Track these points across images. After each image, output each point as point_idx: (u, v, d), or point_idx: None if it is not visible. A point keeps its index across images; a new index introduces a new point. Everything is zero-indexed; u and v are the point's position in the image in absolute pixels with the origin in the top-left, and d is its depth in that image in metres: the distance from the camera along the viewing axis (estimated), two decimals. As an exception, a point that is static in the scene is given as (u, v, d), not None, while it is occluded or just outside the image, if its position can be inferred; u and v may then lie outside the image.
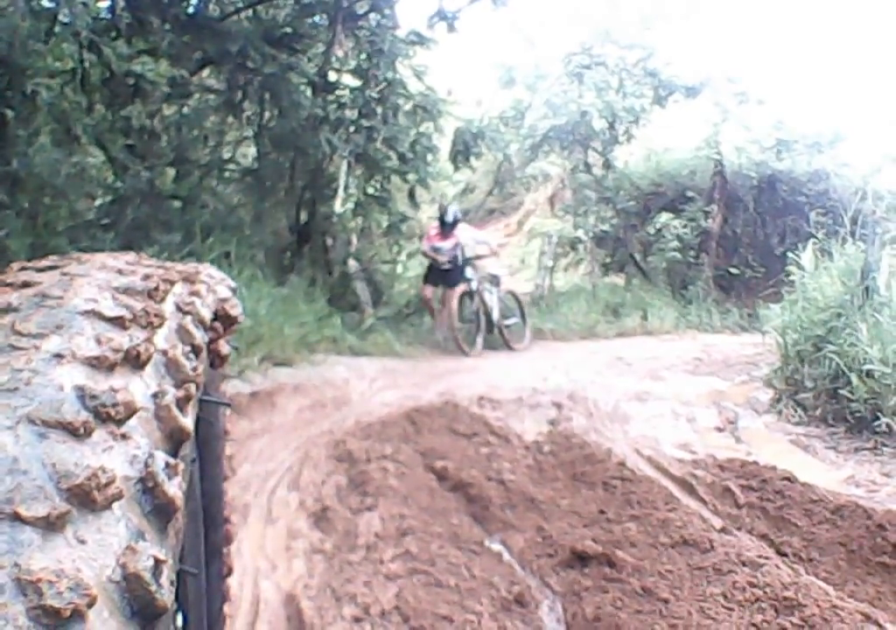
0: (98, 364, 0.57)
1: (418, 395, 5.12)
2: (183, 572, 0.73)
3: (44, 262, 0.77)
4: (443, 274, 7.79)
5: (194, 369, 0.69)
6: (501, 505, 3.11)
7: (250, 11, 7.59)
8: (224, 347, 0.96)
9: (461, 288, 7.71)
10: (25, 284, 0.68)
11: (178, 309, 0.78)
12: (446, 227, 7.87)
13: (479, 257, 8.07)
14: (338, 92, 7.86)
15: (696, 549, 2.62)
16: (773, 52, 18.72)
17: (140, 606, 0.44)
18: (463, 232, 8.05)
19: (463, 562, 2.54)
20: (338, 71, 8.03)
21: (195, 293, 0.85)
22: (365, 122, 7.65)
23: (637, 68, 11.81)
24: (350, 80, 8.08)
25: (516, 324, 8.24)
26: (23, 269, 0.75)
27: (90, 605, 0.40)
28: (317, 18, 7.86)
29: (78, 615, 0.39)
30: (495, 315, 7.90)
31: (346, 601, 2.25)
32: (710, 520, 3.00)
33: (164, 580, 0.46)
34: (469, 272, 7.87)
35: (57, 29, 5.51)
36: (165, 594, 0.46)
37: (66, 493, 0.45)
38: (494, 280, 8.16)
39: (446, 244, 7.89)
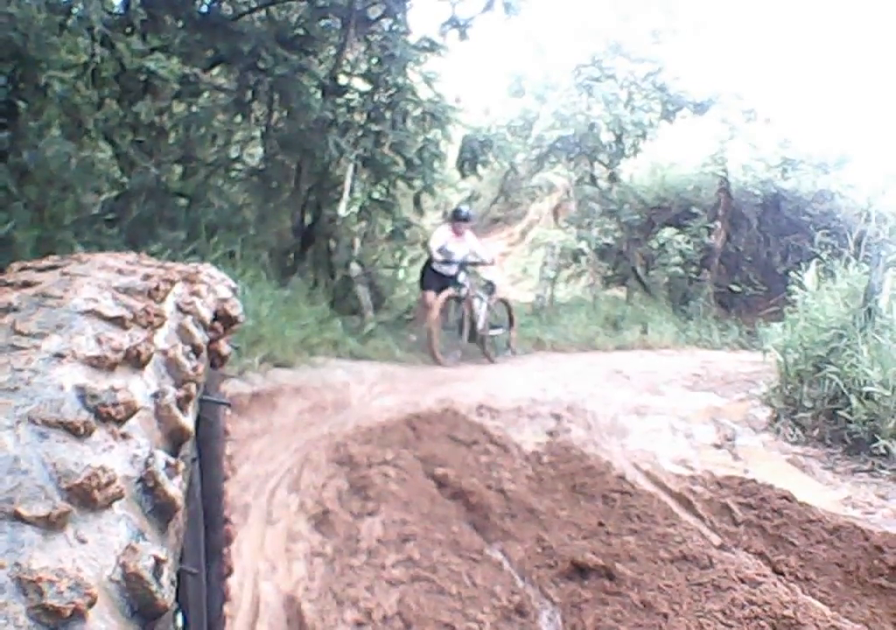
0: (98, 364, 0.57)
1: (417, 401, 5.11)
2: (183, 572, 0.72)
3: (44, 262, 0.77)
4: (444, 279, 7.55)
5: (195, 369, 0.68)
6: (501, 514, 3.11)
7: (263, 12, 7.61)
8: (224, 347, 0.96)
9: (447, 292, 7.41)
10: (26, 284, 0.68)
11: (179, 309, 0.78)
12: (460, 222, 7.71)
13: (476, 264, 7.89)
14: (347, 95, 7.87)
15: (695, 565, 2.61)
16: (781, 71, 18.80)
17: (140, 606, 0.44)
18: (471, 238, 7.92)
19: (464, 569, 2.54)
20: (348, 74, 8.05)
21: (195, 293, 0.85)
22: (373, 127, 7.67)
23: (646, 82, 11.84)
24: (360, 84, 8.09)
25: (500, 335, 8.00)
26: (23, 268, 0.75)
27: (90, 605, 0.40)
28: (329, 21, 7.88)
29: (78, 614, 0.39)
30: (480, 324, 7.62)
31: (348, 605, 2.26)
32: (708, 536, 2.99)
33: (164, 580, 0.46)
34: (462, 277, 7.61)
35: (71, 22, 5.52)
36: (166, 594, 0.45)
37: (67, 493, 0.45)
38: (489, 287, 7.91)
39: (459, 247, 7.70)
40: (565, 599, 2.42)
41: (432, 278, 7.61)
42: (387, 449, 3.79)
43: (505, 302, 8.16)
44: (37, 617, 0.38)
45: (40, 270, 0.74)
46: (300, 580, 2.42)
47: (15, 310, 0.61)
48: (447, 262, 7.56)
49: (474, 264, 7.86)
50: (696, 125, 12.28)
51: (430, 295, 7.50)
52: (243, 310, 1.03)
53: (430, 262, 7.78)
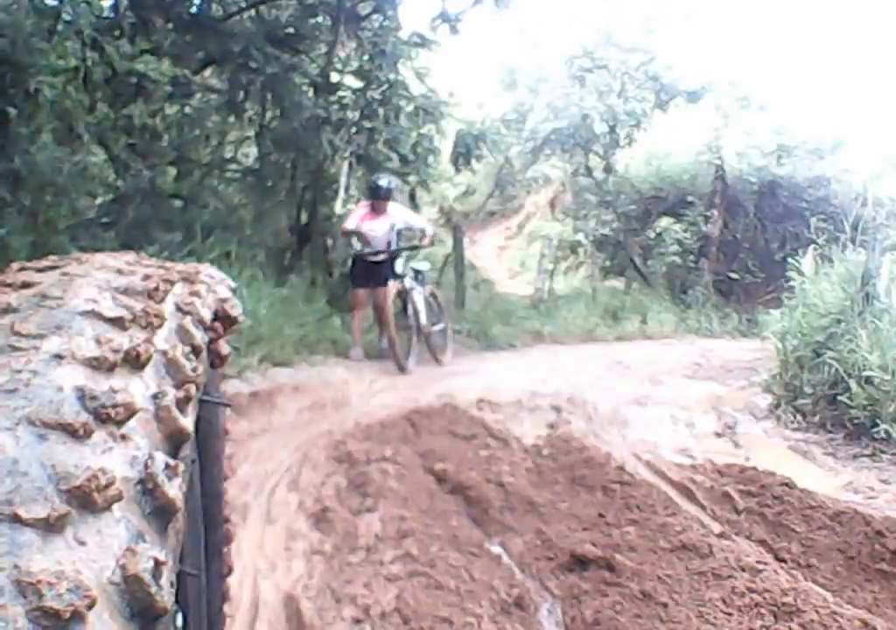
0: (98, 365, 0.57)
1: (417, 397, 5.11)
2: (183, 573, 0.73)
3: (43, 263, 0.77)
4: (372, 268, 6.29)
5: (194, 370, 0.68)
6: (501, 508, 3.11)
7: (253, 11, 7.59)
8: (224, 348, 0.96)
9: (394, 285, 6.36)
10: (25, 285, 0.68)
11: (178, 309, 0.78)
12: (379, 199, 6.41)
13: (415, 248, 6.94)
14: (340, 93, 7.86)
15: (695, 554, 2.61)
16: (775, 58, 18.76)
17: (140, 608, 0.44)
18: (397, 212, 6.67)
19: (463, 564, 2.54)
20: (340, 72, 8.04)
21: (195, 293, 0.85)
22: (366, 124, 7.65)
23: (639, 72, 11.84)
24: (352, 81, 8.08)
25: (442, 331, 7.02)
26: (22, 269, 0.75)
27: (90, 607, 0.40)
28: (319, 19, 7.86)
29: (77, 617, 0.39)
30: (422, 319, 6.58)
31: (347, 602, 2.26)
32: (709, 525, 3.00)
33: (163, 581, 0.46)
34: (399, 266, 6.47)
35: (60, 27, 5.51)
36: (165, 596, 0.46)
37: (66, 495, 0.45)
38: (419, 277, 6.85)
39: (379, 225, 6.41)
40: (565, 591, 2.42)
41: (361, 270, 6.39)
42: (385, 445, 3.79)
43: (434, 295, 7.12)
44: (36, 619, 0.38)
45: (39, 271, 0.74)
46: (299, 578, 2.42)
47: (14, 310, 0.61)
48: (372, 252, 6.35)
49: (413, 248, 6.90)
50: (690, 114, 12.28)
51: (360, 292, 6.47)
52: (242, 310, 1.03)
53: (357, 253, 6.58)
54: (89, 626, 0.40)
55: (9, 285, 0.68)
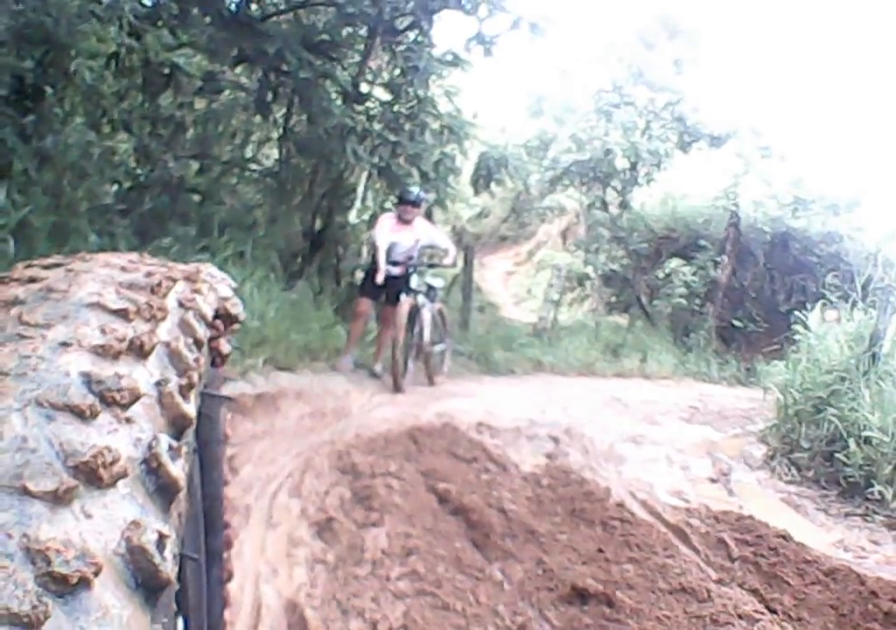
0: (103, 352, 0.59)
1: (417, 414, 5.11)
2: (183, 570, 0.73)
3: (49, 261, 0.80)
4: (387, 281, 6.00)
5: (196, 360, 0.70)
6: (502, 534, 3.11)
7: (291, 15, 7.65)
8: (225, 346, 0.97)
9: (407, 301, 6.16)
10: (32, 280, 0.70)
11: (181, 305, 0.79)
12: (408, 204, 6.24)
13: (434, 265, 6.78)
14: (368, 104, 7.89)
15: (693, 598, 2.60)
16: (799, 110, 18.91)
17: (144, 578, 0.46)
18: (423, 227, 6.53)
19: (469, 587, 2.54)
20: (370, 83, 8.09)
21: (197, 291, 0.86)
22: (391, 137, 7.66)
23: (665, 112, 11.89)
24: (381, 94, 8.12)
25: (441, 352, 6.88)
26: (28, 266, 0.78)
27: (96, 574, 0.41)
28: (356, 29, 7.92)
29: (84, 582, 0.40)
30: (426, 337, 6.35)
31: (354, 615, 2.26)
32: (706, 570, 2.96)
33: (167, 553, 0.47)
34: (414, 281, 6.27)
35: (100, 11, 5.54)
36: (169, 567, 0.47)
37: (73, 470, 0.46)
38: (431, 293, 6.58)
39: (404, 237, 6.25)
40: (565, 623, 2.41)
41: (374, 282, 6.02)
42: (390, 460, 3.80)
43: (442, 313, 6.90)
44: (45, 584, 0.39)
45: (45, 268, 0.76)
46: (301, 586, 2.42)
47: (21, 302, 0.63)
48: (393, 262, 6.12)
49: (432, 265, 6.71)
50: (711, 158, 12.33)
51: (364, 303, 6.26)
52: (250, 310, 1.02)
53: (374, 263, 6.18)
54: (95, 593, 0.41)
55: (16, 280, 0.70)
